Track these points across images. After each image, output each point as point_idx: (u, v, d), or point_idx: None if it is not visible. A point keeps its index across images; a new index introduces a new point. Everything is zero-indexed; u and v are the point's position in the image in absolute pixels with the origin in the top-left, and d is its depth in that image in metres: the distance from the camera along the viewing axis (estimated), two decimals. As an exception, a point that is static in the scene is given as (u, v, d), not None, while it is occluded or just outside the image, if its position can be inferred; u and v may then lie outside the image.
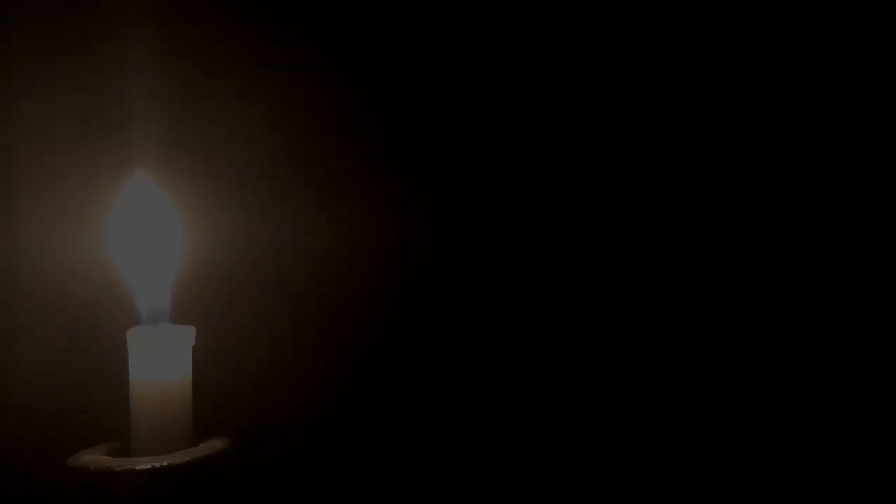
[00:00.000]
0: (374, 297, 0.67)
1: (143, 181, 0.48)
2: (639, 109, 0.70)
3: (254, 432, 0.57)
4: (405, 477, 0.67)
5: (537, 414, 0.70)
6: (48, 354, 0.58)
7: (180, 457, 0.44)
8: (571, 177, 0.70)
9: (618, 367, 0.70)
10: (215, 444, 0.46)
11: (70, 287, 0.58)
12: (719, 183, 0.70)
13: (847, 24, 0.69)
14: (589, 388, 0.70)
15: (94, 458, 0.44)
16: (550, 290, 0.70)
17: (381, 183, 0.68)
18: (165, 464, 0.43)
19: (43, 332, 0.58)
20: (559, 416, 0.70)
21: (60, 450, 0.45)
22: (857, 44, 0.69)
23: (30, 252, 0.58)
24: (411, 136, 0.68)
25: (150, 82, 0.60)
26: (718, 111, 0.70)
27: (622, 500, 0.69)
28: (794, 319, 0.70)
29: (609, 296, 0.70)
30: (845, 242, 0.69)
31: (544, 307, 0.70)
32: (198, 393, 0.47)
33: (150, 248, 0.48)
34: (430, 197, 0.68)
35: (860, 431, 0.68)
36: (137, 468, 0.43)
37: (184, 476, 0.43)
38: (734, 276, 0.70)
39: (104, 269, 0.56)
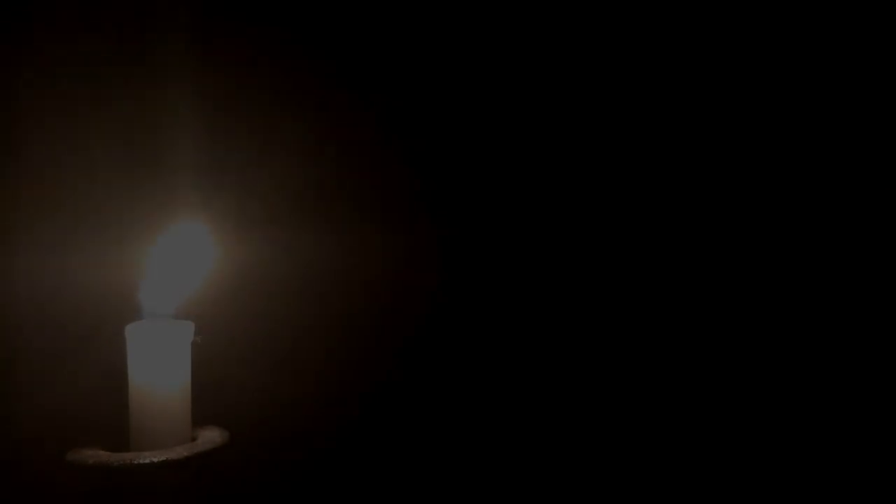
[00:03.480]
0: (378, 305, 0.68)
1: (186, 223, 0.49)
2: (639, 119, 0.70)
3: (253, 428, 0.57)
4: (403, 475, 0.67)
5: (540, 420, 0.70)
6: (48, 350, 0.58)
7: (179, 451, 0.44)
8: (572, 191, 0.70)
9: (620, 372, 0.70)
10: (214, 439, 0.46)
11: (69, 284, 0.58)
12: (719, 183, 0.70)
13: (847, 24, 0.69)
14: (592, 394, 0.70)
15: (93, 452, 0.44)
16: (553, 301, 0.71)
17: (389, 198, 0.69)
18: (164, 458, 0.43)
19: (42, 328, 0.58)
20: (562, 420, 0.70)
21: (60, 444, 0.45)
22: (857, 44, 0.69)
23: (30, 248, 0.58)
24: (418, 159, 0.69)
25: (185, 102, 0.62)
26: (718, 111, 0.70)
27: (622, 500, 0.69)
28: (794, 319, 0.69)
29: (613, 304, 0.70)
30: (845, 242, 0.69)
31: (547, 319, 0.70)
32: (198, 389, 0.47)
33: (176, 257, 0.48)
34: (436, 214, 0.69)
35: (860, 431, 0.68)
36: (136, 462, 0.43)
37: (182, 470, 0.43)
38: (734, 276, 0.70)
39: (104, 267, 0.57)
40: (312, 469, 0.65)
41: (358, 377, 0.67)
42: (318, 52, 0.67)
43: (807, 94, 0.69)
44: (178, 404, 0.46)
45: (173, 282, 0.48)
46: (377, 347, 0.68)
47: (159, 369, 0.46)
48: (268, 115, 0.65)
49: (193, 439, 0.46)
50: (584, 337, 0.70)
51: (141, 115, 0.61)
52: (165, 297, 0.47)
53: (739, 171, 0.70)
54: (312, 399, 0.65)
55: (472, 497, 0.68)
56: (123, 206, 0.59)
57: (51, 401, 0.57)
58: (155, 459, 0.43)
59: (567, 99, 0.70)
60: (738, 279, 0.70)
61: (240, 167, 0.63)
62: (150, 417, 0.45)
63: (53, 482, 0.46)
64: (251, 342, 0.63)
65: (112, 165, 0.60)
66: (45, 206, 0.59)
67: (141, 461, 0.43)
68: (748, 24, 0.70)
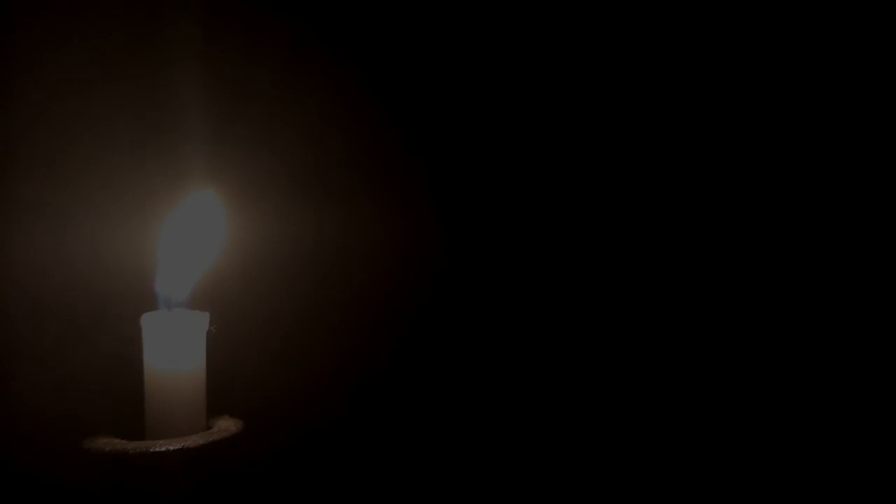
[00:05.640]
0: (386, 295, 0.68)
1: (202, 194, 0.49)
2: (642, 112, 0.70)
3: (267, 417, 0.57)
4: (410, 464, 0.68)
5: (542, 413, 0.70)
6: (62, 339, 0.58)
7: (194, 440, 0.44)
8: (578, 177, 0.71)
9: (623, 367, 0.70)
10: (229, 428, 0.46)
11: (85, 272, 0.58)
12: (719, 183, 0.70)
13: (847, 24, 0.69)
14: (595, 388, 0.70)
15: (108, 440, 0.44)
16: (557, 289, 0.71)
17: (395, 187, 0.69)
18: (179, 446, 0.43)
19: (59, 317, 0.58)
20: (564, 415, 0.70)
21: (77, 433, 0.45)
22: (857, 44, 0.69)
23: (45, 237, 0.58)
24: (423, 143, 0.69)
25: (194, 82, 0.62)
26: (719, 111, 0.70)
27: (622, 500, 0.69)
28: (794, 319, 0.70)
29: (616, 297, 0.71)
30: (845, 242, 0.69)
31: (551, 307, 0.71)
32: (213, 378, 0.47)
33: (189, 242, 0.48)
34: (441, 200, 0.70)
35: (860, 431, 0.68)
36: (152, 450, 0.43)
37: (197, 458, 0.44)
38: (734, 277, 0.70)
39: (119, 255, 0.57)
40: (326, 457, 0.66)
41: (374, 365, 0.67)
42: (327, 31, 0.67)
43: (807, 94, 0.70)
44: (194, 393, 0.46)
45: (186, 267, 0.48)
46: (396, 333, 0.68)
47: (175, 359, 0.46)
48: (278, 96, 0.65)
49: (208, 428, 0.46)
50: (590, 320, 0.70)
51: (150, 97, 0.60)
52: (179, 284, 0.48)
53: (740, 170, 0.70)
54: (327, 388, 0.66)
55: (482, 480, 0.68)
56: (132, 189, 0.59)
57: (65, 390, 0.57)
58: (171, 447, 0.43)
59: (574, 82, 0.70)
60: (738, 279, 0.70)
61: (250, 148, 0.63)
62: (166, 406, 0.46)
63: (69, 470, 0.47)
64: (265, 332, 0.63)
65: (121, 147, 0.60)
66: (55, 188, 0.59)
67: (157, 449, 0.43)
68: (748, 24, 0.70)
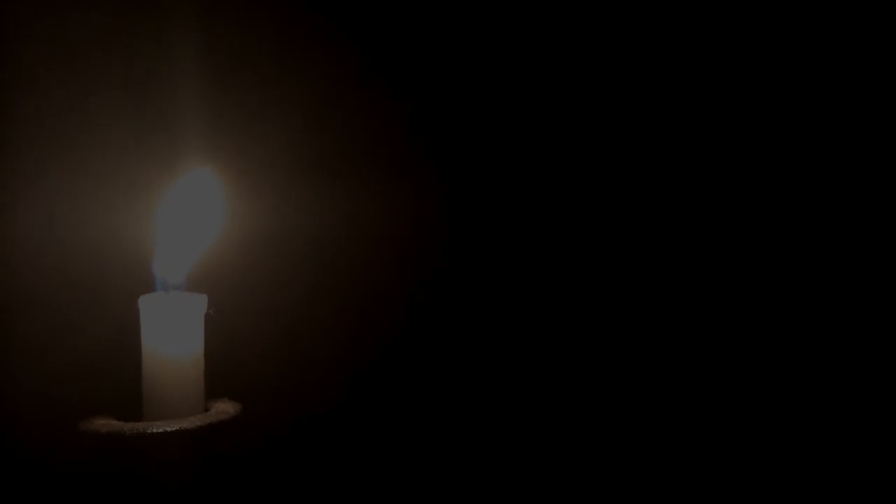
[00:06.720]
0: (388, 280, 0.68)
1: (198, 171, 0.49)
2: (643, 109, 0.70)
3: (266, 400, 0.57)
4: (408, 451, 0.68)
5: (545, 407, 0.70)
6: (62, 321, 0.58)
7: (191, 421, 0.44)
8: (583, 172, 0.70)
9: (623, 357, 0.70)
10: (227, 411, 0.46)
11: (82, 254, 0.58)
12: (719, 183, 0.70)
13: (847, 24, 0.69)
14: (599, 384, 0.70)
15: (106, 422, 0.44)
16: (563, 278, 0.71)
17: (399, 172, 0.69)
18: (177, 428, 0.43)
19: (56, 300, 0.58)
20: (565, 407, 0.70)
21: (73, 415, 0.45)
22: (857, 44, 0.69)
23: (41, 220, 0.58)
24: (428, 128, 0.69)
25: (194, 57, 0.62)
26: (719, 111, 0.70)
27: (622, 500, 0.69)
28: (794, 320, 0.69)
29: (621, 294, 0.70)
30: (845, 242, 0.69)
31: (556, 296, 0.70)
32: (211, 360, 0.47)
33: (186, 222, 0.48)
34: (446, 187, 0.69)
35: (860, 432, 0.68)
36: (149, 431, 0.43)
37: (195, 440, 0.44)
38: (734, 277, 0.70)
39: (117, 237, 0.57)
40: (325, 442, 0.66)
41: (375, 351, 0.67)
42: (330, 11, 0.66)
43: (807, 94, 0.69)
44: (191, 376, 0.46)
45: (183, 249, 0.48)
46: (398, 320, 0.68)
47: (173, 341, 0.46)
48: (279, 77, 0.65)
49: (206, 411, 0.46)
50: (594, 310, 0.70)
51: (146, 76, 0.60)
52: (177, 266, 0.47)
53: (740, 170, 0.70)
54: (326, 372, 0.66)
55: (480, 471, 0.68)
56: (130, 170, 0.59)
57: (62, 372, 0.57)
58: (168, 428, 0.43)
59: (580, 67, 0.70)
60: (737, 279, 0.70)
61: (251, 129, 0.63)
62: (163, 389, 0.46)
63: (66, 452, 0.47)
64: (265, 315, 0.63)
65: (119, 128, 0.60)
66: (51, 170, 0.59)
67: (154, 430, 0.43)
68: (748, 24, 0.69)
